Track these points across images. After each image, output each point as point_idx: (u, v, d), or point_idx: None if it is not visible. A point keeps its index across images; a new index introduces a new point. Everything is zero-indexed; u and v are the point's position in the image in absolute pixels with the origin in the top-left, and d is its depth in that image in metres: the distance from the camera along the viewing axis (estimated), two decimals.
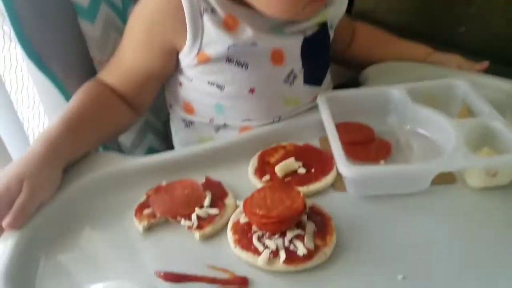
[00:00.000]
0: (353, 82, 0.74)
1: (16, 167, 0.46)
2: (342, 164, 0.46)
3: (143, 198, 0.49)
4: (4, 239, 0.43)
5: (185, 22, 0.53)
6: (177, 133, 0.67)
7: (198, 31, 0.53)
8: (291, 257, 0.40)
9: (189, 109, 0.62)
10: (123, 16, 0.72)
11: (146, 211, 0.46)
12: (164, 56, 0.57)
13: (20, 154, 0.48)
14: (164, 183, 0.50)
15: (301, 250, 0.41)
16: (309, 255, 0.40)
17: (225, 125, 0.60)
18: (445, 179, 0.50)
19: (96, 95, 0.56)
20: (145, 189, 0.50)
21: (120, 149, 0.73)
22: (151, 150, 0.77)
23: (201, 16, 0.53)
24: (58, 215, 0.47)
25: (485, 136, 0.51)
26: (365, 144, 0.55)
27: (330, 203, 0.48)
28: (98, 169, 0.51)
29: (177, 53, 0.56)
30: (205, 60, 0.55)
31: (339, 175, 0.51)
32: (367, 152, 0.54)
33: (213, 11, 0.53)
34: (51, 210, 0.47)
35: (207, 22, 0.53)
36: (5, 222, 0.43)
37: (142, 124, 0.74)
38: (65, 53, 0.64)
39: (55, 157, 0.48)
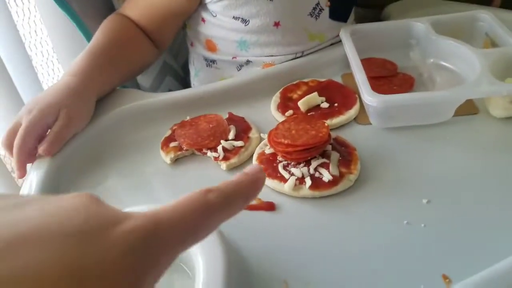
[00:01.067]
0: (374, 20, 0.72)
1: (52, 96, 0.46)
2: (367, 93, 0.46)
3: (168, 132, 0.49)
4: (37, 167, 0.44)
5: None
6: (197, 74, 0.66)
7: None
8: (317, 183, 0.41)
9: (211, 46, 0.61)
10: None
11: (172, 144, 0.47)
12: None
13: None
14: (188, 118, 0.50)
15: (326, 176, 0.41)
16: (334, 181, 0.41)
17: (247, 62, 0.60)
18: (468, 109, 0.49)
19: (121, 29, 0.56)
20: (169, 124, 0.50)
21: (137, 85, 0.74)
22: None
23: None
24: (88, 147, 0.48)
25: (509, 66, 0.50)
26: (388, 78, 0.54)
27: (353, 136, 0.48)
28: (124, 103, 0.51)
29: None
30: None
31: (362, 109, 0.51)
32: (390, 86, 0.53)
33: None
34: (81, 141, 0.48)
35: None
36: (41, 149, 0.44)
37: (160, 67, 0.74)
38: None
39: (88, 89, 0.49)
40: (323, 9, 0.57)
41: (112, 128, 0.50)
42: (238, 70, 0.61)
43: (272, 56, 0.59)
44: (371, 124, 0.49)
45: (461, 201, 0.40)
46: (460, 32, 0.57)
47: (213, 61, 0.62)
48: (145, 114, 0.51)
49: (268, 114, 0.53)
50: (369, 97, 0.45)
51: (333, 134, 0.46)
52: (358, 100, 0.52)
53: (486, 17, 0.56)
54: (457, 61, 0.53)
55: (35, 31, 0.85)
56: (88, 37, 0.59)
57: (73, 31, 0.61)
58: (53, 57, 0.90)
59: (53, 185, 0.44)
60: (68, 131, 0.46)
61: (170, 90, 0.76)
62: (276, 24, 0.56)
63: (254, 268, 0.36)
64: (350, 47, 0.53)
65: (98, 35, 0.55)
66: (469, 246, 0.37)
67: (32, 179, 0.43)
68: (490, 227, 0.38)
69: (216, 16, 0.57)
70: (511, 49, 0.50)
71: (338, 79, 0.57)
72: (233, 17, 0.56)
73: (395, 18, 0.66)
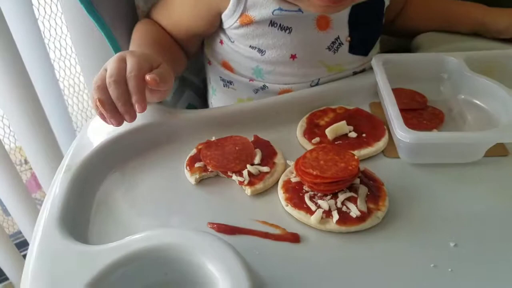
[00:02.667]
0: (402, 50, 0.71)
1: (144, 52, 0.49)
2: (400, 128, 0.44)
3: (193, 151, 0.48)
4: (63, 178, 0.43)
5: None
6: (215, 93, 0.66)
7: None
8: (344, 218, 0.40)
9: (228, 67, 0.60)
10: None
11: (198, 164, 0.46)
12: (208, 17, 0.56)
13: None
14: (213, 138, 0.49)
15: (354, 212, 0.40)
16: (362, 218, 0.40)
17: (264, 87, 0.59)
18: (498, 151, 0.48)
19: (161, 32, 0.59)
20: (194, 143, 0.49)
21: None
22: (190, 107, 0.77)
23: None
24: (112, 159, 0.47)
25: None
26: (418, 111, 0.53)
27: (381, 169, 0.47)
28: (150, 119, 0.50)
29: (220, 14, 0.55)
30: (248, 23, 0.53)
31: (390, 142, 0.50)
32: (420, 120, 0.52)
33: None
34: (104, 152, 0.47)
35: None
36: (150, 76, 0.44)
37: (180, 81, 0.73)
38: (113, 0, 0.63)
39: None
40: (342, 44, 0.56)
41: (136, 143, 0.49)
42: (255, 93, 0.60)
43: (287, 84, 0.58)
44: (399, 158, 0.48)
45: (489, 246, 0.39)
46: (494, 70, 0.56)
47: (230, 82, 0.62)
48: (170, 131, 0.51)
49: (293, 140, 0.52)
50: (402, 132, 0.44)
51: (361, 167, 0.45)
52: (387, 132, 0.51)
53: None
54: (489, 100, 0.52)
55: (55, 29, 0.85)
56: (113, 44, 0.58)
57: (93, 32, 0.63)
58: (70, 56, 0.91)
59: (76, 193, 0.43)
60: (171, 77, 0.48)
61: (191, 105, 0.76)
62: (293, 56, 0.56)
63: None
64: (382, 77, 0.52)
65: (142, 34, 0.57)
66: None
67: (57, 186, 0.43)
68: None
69: (234, 42, 0.57)
70: None
71: (366, 107, 0.56)
72: (250, 46, 0.56)
73: (425, 49, 0.66)
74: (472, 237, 0.40)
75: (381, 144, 0.49)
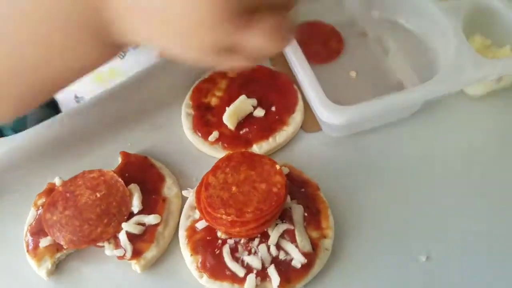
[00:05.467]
0: None
1: None
2: (326, 109, 0.30)
3: (32, 213, 0.29)
4: None
5: None
6: None
7: None
8: (286, 273, 0.26)
9: None
10: None
11: (44, 243, 0.27)
12: None
13: None
14: (57, 181, 0.30)
15: (297, 258, 0.27)
16: (309, 262, 0.27)
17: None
18: None
19: None
20: (30, 196, 0.30)
21: None
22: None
23: None
24: None
25: (478, 19, 0.36)
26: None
27: (305, 153, 0.33)
28: None
29: None
30: None
31: (307, 109, 0.35)
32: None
33: None
34: None
35: None
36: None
37: None
38: None
39: None
40: None
41: None
42: (121, 58, 0.39)
43: None
44: (320, 130, 0.34)
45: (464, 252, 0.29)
46: None
47: None
48: None
49: (181, 139, 0.34)
50: (328, 114, 0.29)
51: (285, 169, 0.31)
52: (299, 94, 0.35)
53: None
54: (414, 17, 0.38)
55: None
56: None
57: None
58: None
59: None
60: None
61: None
62: None
63: None
64: None
65: None
66: None
67: None
68: None
69: None
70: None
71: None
72: None
73: None
74: (445, 244, 0.30)
75: (298, 118, 0.34)
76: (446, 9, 0.35)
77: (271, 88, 0.36)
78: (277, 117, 0.34)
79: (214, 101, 0.35)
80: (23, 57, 0.22)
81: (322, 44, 0.40)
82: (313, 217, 0.29)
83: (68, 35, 0.21)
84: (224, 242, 0.27)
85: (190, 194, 0.30)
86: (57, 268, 0.28)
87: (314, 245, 0.28)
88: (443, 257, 0.29)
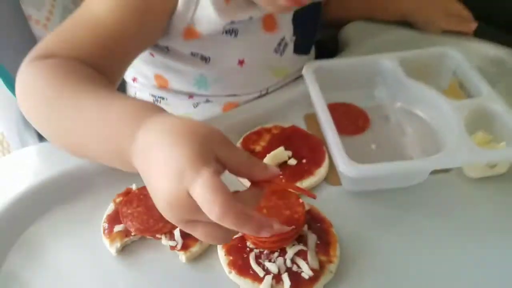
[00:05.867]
0: (331, 38, 0.64)
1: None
2: (342, 161, 0.38)
3: (110, 207, 0.38)
4: None
5: None
6: None
7: (191, 5, 0.41)
8: (296, 281, 0.33)
9: (161, 82, 0.49)
10: None
11: (117, 228, 0.36)
12: (160, 14, 0.42)
13: None
14: (134, 186, 0.39)
15: (306, 271, 0.34)
16: (315, 277, 0.34)
17: (207, 101, 0.49)
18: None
19: (75, 71, 0.37)
20: (112, 194, 0.39)
21: None
22: None
23: None
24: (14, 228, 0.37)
25: (482, 119, 0.45)
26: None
27: (326, 202, 0.41)
28: (51, 168, 0.39)
29: (170, 16, 0.42)
30: (192, 36, 0.43)
31: (331, 166, 0.43)
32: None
33: None
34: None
35: None
36: None
37: None
38: None
39: None
40: (287, 44, 0.49)
41: (41, 203, 0.38)
42: (195, 107, 0.51)
43: (235, 95, 0.49)
44: (341, 185, 0.43)
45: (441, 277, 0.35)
46: (427, 69, 0.51)
47: (163, 98, 0.51)
48: (79, 181, 0.40)
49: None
50: (345, 166, 0.38)
51: (307, 205, 0.39)
52: (327, 155, 0.44)
53: (455, 55, 0.51)
54: (428, 110, 0.48)
55: None
56: (6, 79, 0.44)
57: None
58: None
59: None
60: None
61: None
62: (241, 62, 0.47)
63: None
64: (314, 91, 0.45)
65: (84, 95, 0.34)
66: None
67: None
68: None
69: (168, 51, 0.46)
70: (486, 102, 0.45)
71: (301, 121, 0.49)
72: (191, 53, 0.45)
73: (353, 43, 0.59)
74: (432, 276, 0.36)
75: (322, 171, 0.43)
76: (454, 106, 0.44)
77: (305, 146, 0.45)
78: (306, 168, 0.43)
79: (258, 148, 0.45)
80: (80, 146, 0.34)
81: (352, 121, 0.49)
82: (324, 246, 0.36)
83: (108, 155, 0.32)
84: (251, 250, 0.35)
85: None
86: (123, 249, 0.36)
87: (321, 266, 0.35)
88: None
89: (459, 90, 0.50)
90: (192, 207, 0.26)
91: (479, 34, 0.62)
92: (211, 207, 0.24)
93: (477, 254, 0.37)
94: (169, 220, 0.28)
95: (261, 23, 0.46)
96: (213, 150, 0.27)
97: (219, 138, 0.28)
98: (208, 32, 0.43)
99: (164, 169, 0.26)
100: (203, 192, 0.25)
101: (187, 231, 0.28)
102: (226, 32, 0.45)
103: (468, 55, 0.53)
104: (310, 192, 0.32)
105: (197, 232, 0.28)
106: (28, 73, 0.36)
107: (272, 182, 0.29)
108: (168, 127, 0.28)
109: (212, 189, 0.25)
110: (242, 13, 0.43)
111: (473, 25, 0.60)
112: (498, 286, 0.36)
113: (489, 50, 0.58)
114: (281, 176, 0.42)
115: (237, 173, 0.29)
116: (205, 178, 0.25)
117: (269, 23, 0.47)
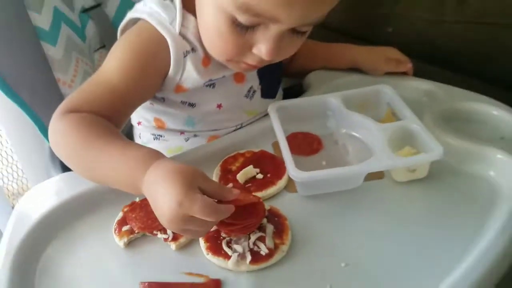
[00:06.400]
0: (298, 86, 0.79)
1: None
2: (292, 170, 0.51)
3: (120, 215, 0.51)
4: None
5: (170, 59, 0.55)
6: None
7: (179, 70, 0.57)
8: (256, 257, 0.45)
9: (160, 124, 0.64)
10: (82, 34, 0.72)
11: (125, 228, 0.49)
12: (155, 78, 0.57)
13: None
14: (137, 199, 0.52)
15: (263, 250, 0.45)
16: (270, 254, 0.45)
17: (195, 136, 0.63)
18: (376, 175, 0.56)
19: (102, 125, 0.51)
20: (120, 206, 0.52)
21: None
22: None
23: (184, 56, 0.56)
24: (47, 235, 0.49)
25: (406, 136, 0.57)
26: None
27: (284, 203, 0.53)
28: (77, 189, 0.52)
29: (165, 76, 0.58)
30: (181, 90, 0.59)
31: (290, 179, 0.56)
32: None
33: (194, 50, 0.56)
34: (40, 229, 0.49)
35: (189, 62, 0.56)
36: None
37: None
38: (31, 77, 0.64)
39: None
40: (255, 91, 0.63)
41: (62, 216, 0.51)
42: (186, 141, 0.64)
43: (216, 130, 0.63)
44: (297, 192, 0.55)
45: (375, 263, 0.46)
46: (367, 103, 0.65)
47: (161, 135, 0.65)
48: (94, 198, 0.53)
49: None
50: (294, 173, 0.50)
51: (267, 206, 0.51)
52: (286, 171, 0.57)
53: (387, 90, 0.64)
54: (364, 133, 0.60)
55: None
56: (39, 126, 0.59)
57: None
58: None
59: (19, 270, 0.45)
60: None
61: None
62: (219, 106, 0.62)
63: None
64: (276, 124, 0.58)
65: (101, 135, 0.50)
66: None
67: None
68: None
69: (164, 101, 0.61)
70: (406, 123, 0.58)
71: (269, 146, 0.62)
72: (181, 101, 0.61)
73: (314, 87, 0.74)
74: (359, 255, 0.47)
75: (282, 182, 0.55)
76: (380, 128, 0.57)
77: (270, 165, 0.58)
78: (270, 180, 0.55)
79: (234, 168, 0.57)
80: (103, 177, 0.50)
81: (308, 145, 0.62)
82: (279, 233, 0.48)
83: (124, 186, 0.48)
84: (223, 238, 0.47)
85: None
86: (129, 243, 0.49)
87: (276, 247, 0.46)
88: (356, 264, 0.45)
89: (392, 117, 0.63)
90: (186, 223, 0.41)
91: (416, 73, 0.76)
92: (210, 215, 0.41)
93: (401, 240, 0.48)
94: (168, 229, 0.45)
95: (232, 78, 0.61)
96: (197, 183, 0.42)
97: (200, 175, 0.43)
98: (193, 87, 0.59)
99: (165, 200, 0.41)
100: (203, 209, 0.40)
101: (181, 233, 0.46)
102: (206, 85, 0.60)
103: (405, 89, 0.68)
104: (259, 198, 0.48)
105: (187, 235, 0.46)
106: (60, 123, 0.51)
107: (236, 200, 0.44)
108: (165, 170, 0.43)
109: (209, 206, 0.41)
110: (217, 73, 0.59)
111: (409, 66, 0.74)
112: (417, 265, 0.46)
113: (423, 84, 0.72)
114: (250, 185, 0.55)
115: (213, 197, 0.43)
116: (200, 200, 0.41)
117: (238, 77, 0.62)
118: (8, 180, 0.98)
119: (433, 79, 0.72)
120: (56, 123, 0.51)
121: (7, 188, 0.97)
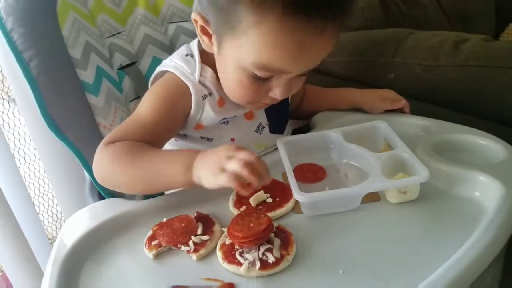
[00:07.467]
0: (305, 126, 0.89)
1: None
2: (296, 192, 0.59)
3: (150, 232, 0.59)
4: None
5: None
6: None
7: (199, 110, 0.69)
8: (264, 264, 0.52)
9: None
10: (119, 87, 0.84)
11: (154, 242, 0.57)
12: (179, 117, 0.69)
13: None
14: (165, 219, 0.61)
15: (271, 259, 0.52)
16: (277, 262, 0.52)
17: None
18: (372, 197, 0.63)
19: (138, 143, 0.63)
20: (150, 225, 0.60)
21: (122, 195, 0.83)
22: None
23: (203, 99, 0.68)
24: (88, 250, 0.57)
25: (398, 163, 0.65)
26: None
27: (291, 223, 0.60)
28: (115, 211, 0.61)
29: (187, 115, 0.70)
30: (200, 128, 0.71)
31: (297, 202, 0.63)
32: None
33: (211, 94, 0.68)
34: (79, 248, 0.57)
35: (207, 104, 0.68)
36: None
37: None
38: (76, 121, 0.75)
39: None
40: (264, 127, 0.73)
41: (103, 234, 0.60)
42: None
43: None
44: (302, 213, 0.62)
45: (368, 271, 0.52)
46: (365, 138, 0.73)
47: None
48: (129, 219, 0.62)
49: (227, 210, 0.64)
50: (298, 195, 0.58)
51: (276, 224, 0.58)
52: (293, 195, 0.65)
53: (382, 125, 0.72)
54: (361, 161, 0.68)
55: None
56: (82, 162, 0.70)
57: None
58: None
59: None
60: None
61: None
62: (232, 139, 0.72)
63: None
64: (284, 156, 0.67)
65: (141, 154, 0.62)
66: None
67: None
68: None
69: (186, 137, 0.72)
70: (397, 152, 0.65)
71: (279, 176, 0.70)
72: (200, 137, 0.71)
73: (319, 125, 0.83)
74: (355, 265, 0.53)
75: (290, 204, 0.63)
76: (375, 157, 0.65)
77: (279, 190, 0.65)
78: (278, 203, 0.63)
79: (247, 194, 0.66)
80: (154, 178, 0.61)
81: (313, 173, 0.70)
82: (285, 245, 0.55)
83: (177, 172, 0.59)
84: (237, 250, 0.54)
85: (225, 230, 0.58)
86: (157, 256, 0.56)
87: (282, 257, 0.53)
88: (352, 272, 0.51)
89: (389, 148, 0.71)
90: (229, 160, 0.55)
91: (414, 111, 0.85)
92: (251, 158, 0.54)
93: (393, 251, 0.54)
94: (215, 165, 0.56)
95: (243, 116, 0.72)
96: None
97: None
98: (210, 124, 0.70)
99: (209, 164, 0.56)
100: (247, 153, 0.54)
101: (222, 174, 0.55)
102: (221, 123, 0.71)
103: (403, 125, 0.76)
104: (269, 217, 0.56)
105: (227, 176, 0.54)
106: (104, 151, 0.63)
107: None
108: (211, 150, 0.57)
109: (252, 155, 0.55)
110: (231, 113, 0.71)
111: (403, 102, 0.82)
112: (406, 271, 0.51)
113: (419, 120, 0.80)
114: (261, 207, 0.62)
115: None
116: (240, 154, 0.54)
117: (249, 115, 0.73)
118: (44, 207, 1.09)
119: (430, 116, 0.80)
120: (101, 153, 0.63)
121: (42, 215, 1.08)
